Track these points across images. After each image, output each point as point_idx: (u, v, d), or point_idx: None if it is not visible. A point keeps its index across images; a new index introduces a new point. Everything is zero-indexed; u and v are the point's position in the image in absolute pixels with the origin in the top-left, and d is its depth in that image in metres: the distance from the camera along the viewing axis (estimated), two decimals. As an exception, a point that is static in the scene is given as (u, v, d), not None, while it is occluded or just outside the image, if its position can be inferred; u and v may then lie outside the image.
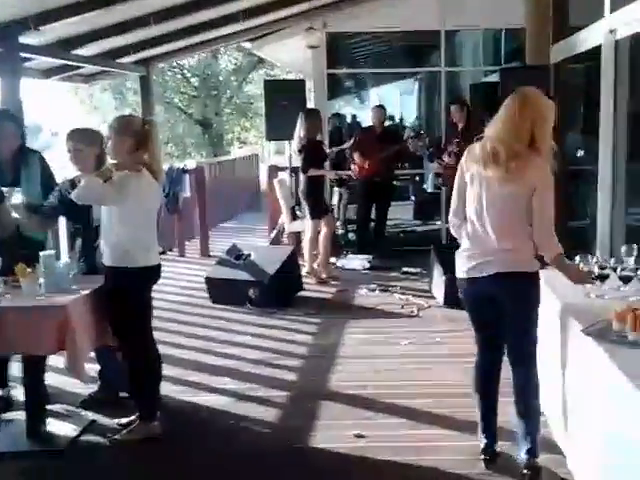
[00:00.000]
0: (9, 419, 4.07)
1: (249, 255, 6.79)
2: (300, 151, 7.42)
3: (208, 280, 6.75)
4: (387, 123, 9.45)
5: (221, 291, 6.64)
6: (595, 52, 6.51)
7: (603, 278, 3.41)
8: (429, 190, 11.18)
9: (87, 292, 3.75)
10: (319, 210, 7.50)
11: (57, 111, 23.66)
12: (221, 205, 12.18)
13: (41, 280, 3.70)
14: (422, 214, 10.87)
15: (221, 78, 21.55)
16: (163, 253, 4.09)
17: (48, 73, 8.51)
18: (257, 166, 15.72)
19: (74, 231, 4.19)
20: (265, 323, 6.02)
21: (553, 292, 3.52)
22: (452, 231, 3.49)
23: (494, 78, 9.66)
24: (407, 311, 6.33)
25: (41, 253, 3.78)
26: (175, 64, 19.81)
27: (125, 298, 3.74)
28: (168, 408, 4.18)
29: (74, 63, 7.98)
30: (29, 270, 3.71)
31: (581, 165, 8.07)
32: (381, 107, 8.80)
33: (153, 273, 3.88)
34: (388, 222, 9.07)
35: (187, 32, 8.10)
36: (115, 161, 3.74)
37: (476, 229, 3.27)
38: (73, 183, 3.98)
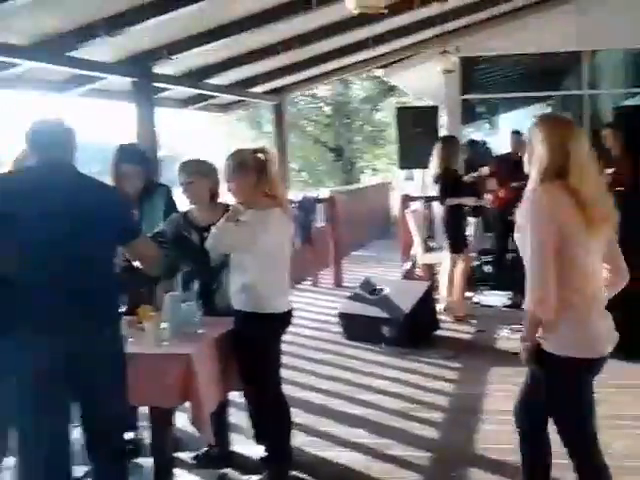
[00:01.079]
0: (139, 465, 3.72)
1: (383, 290, 6.27)
2: (436, 181, 6.83)
3: (342, 315, 6.29)
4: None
5: (355, 327, 6.16)
6: None
7: None
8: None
9: (214, 337, 3.35)
10: (460, 243, 6.86)
11: (196, 141, 24.12)
12: (353, 233, 11.76)
13: (164, 325, 3.32)
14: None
15: (353, 106, 21.29)
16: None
17: (185, 103, 8.41)
18: (388, 194, 15.21)
19: (189, 272, 3.69)
20: (401, 365, 5.46)
21: None
22: None
23: (637, 101, 8.83)
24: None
25: (167, 295, 3.41)
26: (308, 92, 19.77)
27: (255, 345, 3.31)
28: (298, 463, 3.70)
29: (207, 92, 7.81)
30: (152, 313, 3.35)
31: None
32: (518, 133, 8.09)
33: (285, 320, 3.44)
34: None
35: (318, 60, 7.76)
36: (240, 200, 3.33)
37: None
38: (185, 216, 3.69)
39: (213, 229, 3.28)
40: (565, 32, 8.03)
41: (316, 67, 8.13)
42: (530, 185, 2.57)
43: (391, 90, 19.21)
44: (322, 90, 20.35)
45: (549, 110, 13.83)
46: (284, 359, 3.71)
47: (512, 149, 7.93)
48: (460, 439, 4.08)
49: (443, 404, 4.67)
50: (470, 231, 9.11)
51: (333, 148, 21.19)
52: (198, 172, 3.62)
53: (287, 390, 4.76)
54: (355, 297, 6.41)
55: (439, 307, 6.88)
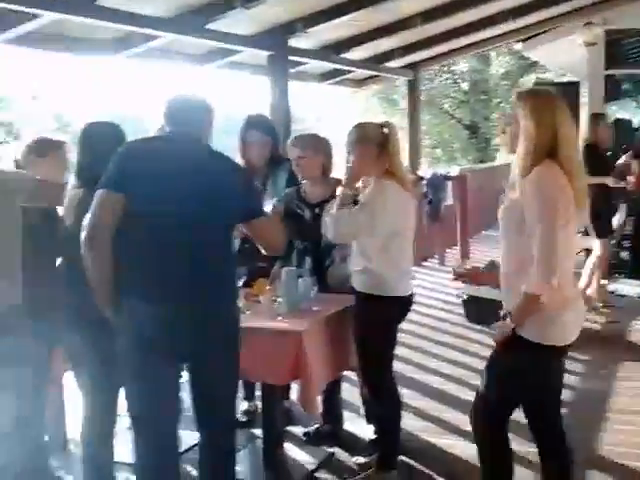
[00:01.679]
0: (254, 435, 3.75)
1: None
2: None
3: (467, 298, 6.03)
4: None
5: (479, 310, 5.88)
6: None
7: None
8: None
9: (328, 314, 3.24)
10: (606, 228, 6.41)
11: (331, 115, 24.09)
12: (483, 212, 11.34)
13: (280, 299, 3.25)
14: None
15: (492, 82, 20.46)
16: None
17: (320, 77, 8.32)
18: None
19: (302, 249, 3.56)
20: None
21: None
22: None
23: None
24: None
25: (283, 269, 3.33)
26: (446, 68, 19.18)
27: (374, 328, 3.16)
28: (408, 448, 3.55)
29: (342, 67, 7.67)
30: (268, 287, 3.29)
31: None
32: None
33: (407, 304, 3.27)
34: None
35: (454, 34, 7.41)
36: (358, 174, 3.15)
37: None
38: (298, 192, 3.58)
39: (327, 218, 3.11)
40: None
41: (452, 41, 7.78)
42: (522, 162, 2.42)
43: (532, 66, 18.32)
44: (460, 66, 19.72)
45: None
46: (407, 339, 3.55)
47: None
48: (587, 438, 3.76)
49: (569, 398, 4.32)
50: (618, 216, 8.47)
51: (468, 125, 20.47)
52: (310, 147, 3.49)
53: (406, 371, 4.67)
54: (479, 279, 6.13)
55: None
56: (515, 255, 2.48)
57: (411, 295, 3.28)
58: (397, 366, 3.48)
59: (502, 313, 2.54)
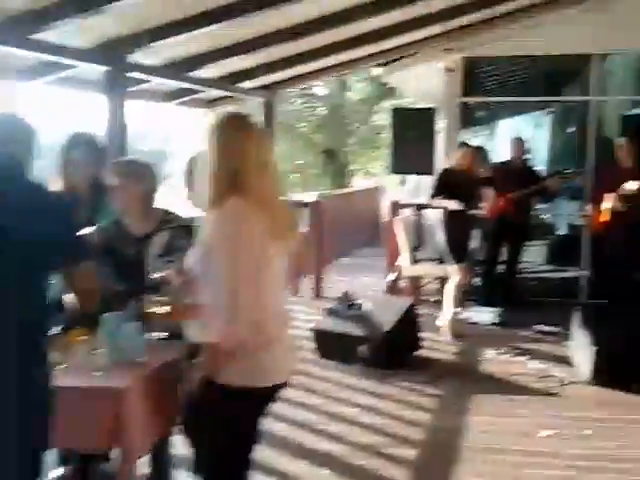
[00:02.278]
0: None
1: (362, 305, 5.84)
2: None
3: (316, 332, 5.83)
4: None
5: (329, 345, 5.72)
6: None
7: None
8: (564, 232, 9.86)
9: (158, 365, 2.89)
10: (462, 253, 6.48)
11: (185, 137, 23.44)
12: (340, 240, 11.34)
13: (100, 350, 2.87)
14: (556, 258, 9.51)
15: (350, 107, 20.67)
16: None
17: (166, 96, 7.92)
18: (379, 199, 14.71)
19: (124, 291, 3.16)
20: (376, 391, 5.02)
21: None
22: None
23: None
24: (545, 386, 5.17)
25: (104, 315, 2.94)
26: (303, 92, 19.19)
27: None
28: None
29: (190, 86, 7.32)
30: (84, 337, 2.90)
31: None
32: (520, 139, 7.67)
33: None
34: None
35: (312, 55, 7.26)
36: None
37: None
38: (118, 224, 3.19)
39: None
40: (576, 33, 7.56)
41: (310, 62, 7.62)
42: (208, 197, 2.26)
43: (391, 92, 18.75)
44: (319, 89, 19.84)
45: (549, 117, 13.38)
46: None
47: (513, 156, 7.52)
48: (436, 477, 3.66)
49: (419, 438, 4.23)
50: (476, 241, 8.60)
51: (326, 150, 20.56)
52: (127, 174, 3.13)
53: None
54: (331, 312, 5.97)
55: (437, 324, 6.48)
56: (207, 296, 2.28)
57: None
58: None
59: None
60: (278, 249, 2.32)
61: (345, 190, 13.52)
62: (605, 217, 6.71)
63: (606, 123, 8.84)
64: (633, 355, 5.03)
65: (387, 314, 5.67)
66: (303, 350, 5.94)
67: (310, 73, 8.42)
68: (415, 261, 7.43)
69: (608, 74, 9.60)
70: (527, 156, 8.19)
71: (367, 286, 8.56)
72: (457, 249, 6.50)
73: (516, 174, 7.30)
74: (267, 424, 4.19)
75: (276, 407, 4.48)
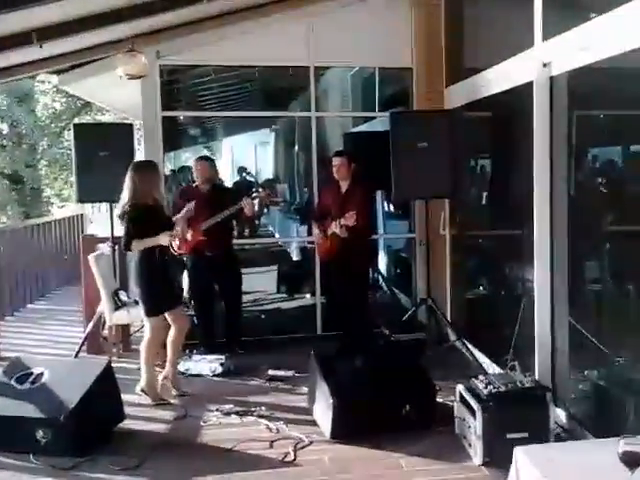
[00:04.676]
0: None
1: (40, 375, 4.65)
2: (122, 217, 5.36)
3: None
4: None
5: (-4, 432, 4.46)
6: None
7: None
8: (295, 258, 9.46)
9: None
10: (156, 302, 5.44)
11: None
12: (30, 280, 9.86)
13: None
14: (289, 287, 9.03)
15: (37, 124, 18.54)
16: None
17: None
18: (83, 229, 13.23)
19: None
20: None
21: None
22: None
23: (366, 126, 8.30)
24: (279, 453, 4.41)
25: None
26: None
27: None
28: None
29: None
30: None
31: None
32: (206, 159, 6.90)
33: None
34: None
35: None
36: None
37: None
38: None
39: None
40: (294, 43, 7.11)
41: None
42: None
43: (88, 105, 17.25)
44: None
45: (273, 135, 13.11)
46: None
47: (198, 180, 6.66)
48: None
49: None
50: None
51: (9, 174, 18.23)
52: None
53: None
54: (-4, 387, 4.69)
55: (137, 388, 5.44)
56: None
57: None
58: None
59: None
60: None
61: (39, 220, 11.88)
62: (328, 244, 6.41)
63: (326, 140, 8.58)
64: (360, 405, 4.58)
65: (74, 382, 4.56)
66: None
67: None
68: (118, 307, 6.35)
69: (329, 89, 9.44)
70: (218, 177, 7.63)
71: (62, 338, 7.43)
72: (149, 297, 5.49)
73: (206, 200, 6.41)
74: None
75: None
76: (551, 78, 4.72)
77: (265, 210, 10.65)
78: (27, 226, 10.51)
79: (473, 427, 4.16)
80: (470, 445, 4.24)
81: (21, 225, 11.42)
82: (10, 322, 8.56)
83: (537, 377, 4.74)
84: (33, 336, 7.80)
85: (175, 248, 5.81)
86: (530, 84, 4.90)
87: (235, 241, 7.14)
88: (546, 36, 4.75)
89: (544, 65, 4.73)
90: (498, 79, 5.59)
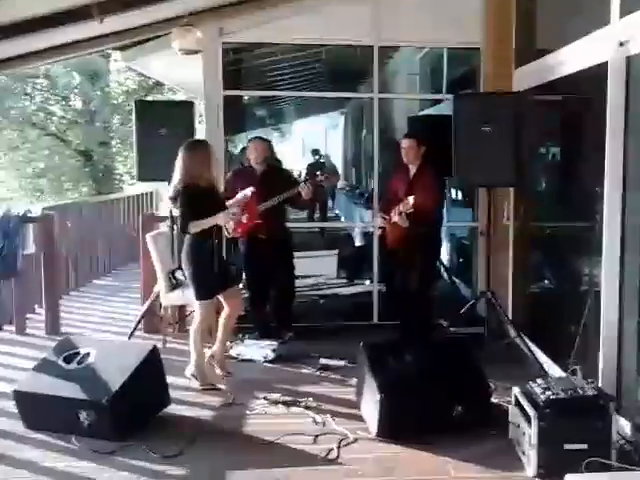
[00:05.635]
0: None
1: (87, 355, 4.54)
2: (175, 198, 5.19)
3: (18, 395, 4.45)
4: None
5: (39, 412, 4.39)
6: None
7: None
8: (357, 244, 9.18)
9: None
10: (207, 287, 5.26)
11: None
12: (97, 257, 9.93)
13: None
14: (347, 271, 8.78)
15: (107, 101, 18.63)
16: None
17: None
18: (153, 207, 13.22)
19: None
20: (94, 477, 3.78)
21: None
22: None
23: (433, 110, 7.92)
24: (323, 448, 4.18)
25: None
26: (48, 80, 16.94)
27: None
28: None
29: None
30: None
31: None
32: (260, 139, 6.60)
33: None
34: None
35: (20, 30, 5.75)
36: None
37: None
38: None
39: None
40: (359, 22, 6.84)
41: (23, 40, 6.11)
42: None
43: (159, 85, 17.20)
44: (65, 79, 17.66)
45: (342, 118, 12.78)
46: None
47: (252, 160, 6.40)
48: None
49: None
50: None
51: (81, 150, 18.38)
52: None
53: None
54: (43, 367, 4.59)
55: (187, 373, 5.30)
56: None
57: None
58: None
59: None
60: None
61: (110, 197, 11.91)
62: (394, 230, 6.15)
63: (392, 123, 8.25)
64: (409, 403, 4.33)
65: (119, 365, 4.44)
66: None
67: (28, 54, 6.84)
68: (173, 287, 6.22)
69: (395, 70, 9.07)
70: (275, 158, 7.38)
71: (123, 316, 7.46)
72: (202, 282, 5.31)
73: (260, 182, 6.17)
74: None
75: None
76: (628, 58, 4.31)
77: (329, 195, 10.43)
78: (97, 202, 10.58)
79: (528, 435, 3.84)
80: (524, 454, 3.93)
81: (92, 201, 11.49)
82: (75, 298, 8.62)
83: (601, 382, 4.37)
84: (95, 312, 7.83)
85: (230, 231, 5.65)
86: (605, 65, 4.50)
87: (299, 225, 6.95)
88: (623, 12, 4.34)
89: (620, 44, 4.33)
90: (569, 60, 5.18)
